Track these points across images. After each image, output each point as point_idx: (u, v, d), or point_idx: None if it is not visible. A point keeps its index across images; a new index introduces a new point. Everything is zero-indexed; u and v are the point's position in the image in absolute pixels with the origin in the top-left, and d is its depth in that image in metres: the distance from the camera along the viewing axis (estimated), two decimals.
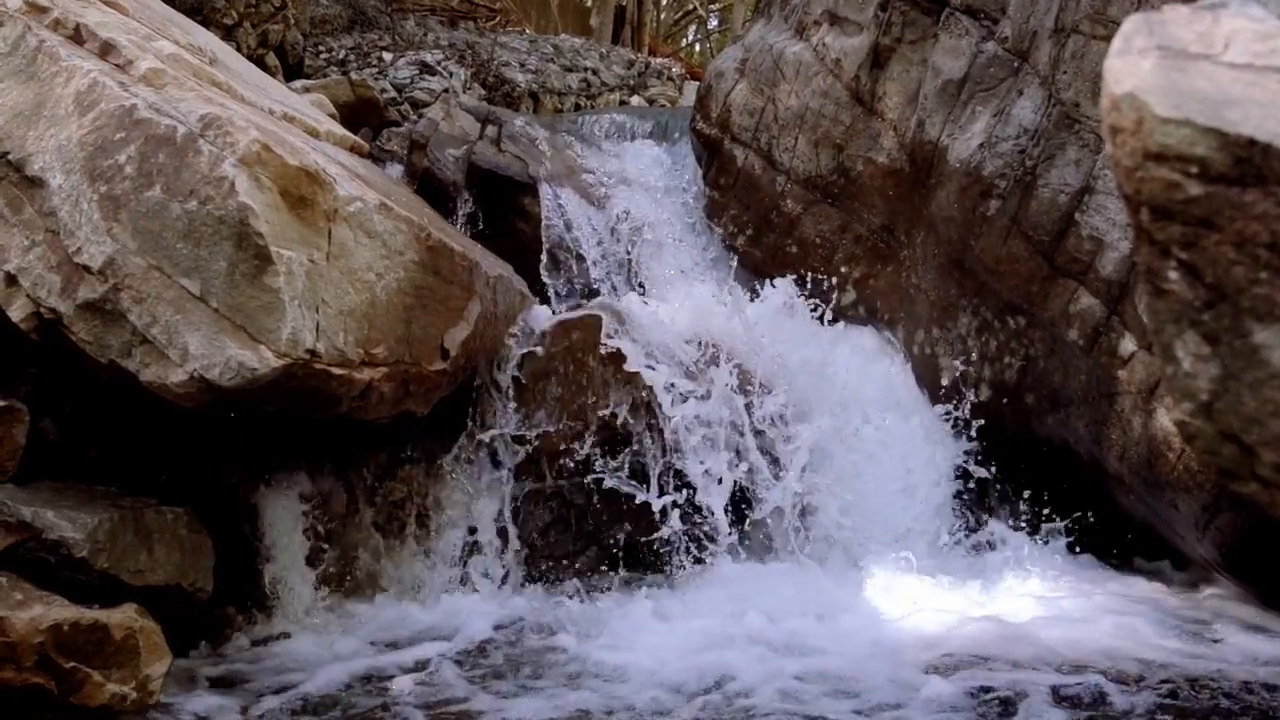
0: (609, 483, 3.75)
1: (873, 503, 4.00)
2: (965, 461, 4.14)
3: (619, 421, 3.80)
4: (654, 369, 3.85)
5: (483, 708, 2.63)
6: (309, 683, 2.84)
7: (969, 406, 4.16)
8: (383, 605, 3.50)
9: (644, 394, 3.82)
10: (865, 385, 4.37)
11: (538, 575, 3.73)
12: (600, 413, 3.81)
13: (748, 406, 3.95)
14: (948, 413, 4.23)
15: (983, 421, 4.13)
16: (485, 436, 3.80)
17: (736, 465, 3.83)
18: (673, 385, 3.82)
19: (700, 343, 4.10)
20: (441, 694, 2.75)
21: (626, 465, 3.80)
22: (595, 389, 3.85)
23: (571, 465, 3.78)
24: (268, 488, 3.39)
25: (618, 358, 3.85)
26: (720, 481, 3.75)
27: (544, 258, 4.92)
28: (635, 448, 3.81)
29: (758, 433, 3.95)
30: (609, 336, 3.88)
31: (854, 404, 4.26)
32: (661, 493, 3.74)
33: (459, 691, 2.76)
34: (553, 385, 3.87)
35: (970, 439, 4.16)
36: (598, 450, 3.81)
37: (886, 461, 4.13)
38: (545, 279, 4.88)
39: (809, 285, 4.77)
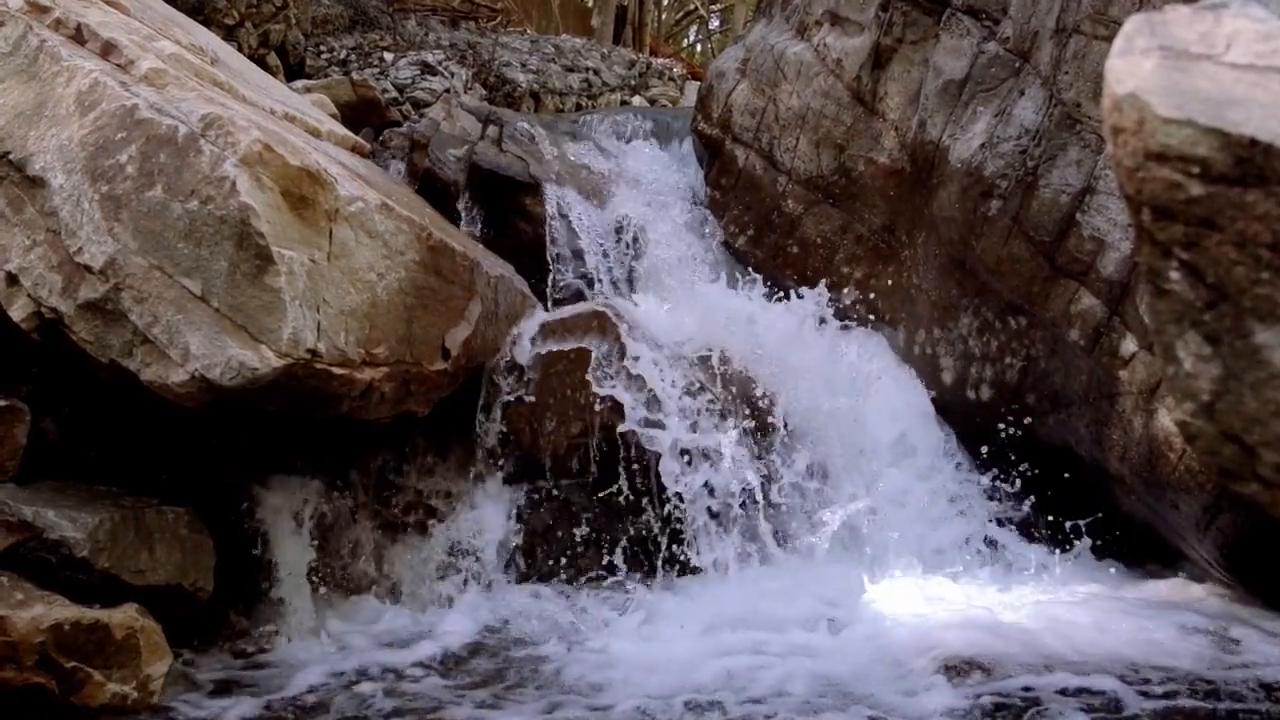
0: (610, 582, 3.63)
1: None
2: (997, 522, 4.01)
3: (621, 497, 3.72)
4: (660, 423, 3.67)
5: (470, 715, 2.62)
6: (308, 684, 2.84)
7: (1019, 480, 4.01)
8: (382, 607, 3.50)
9: (642, 453, 3.69)
10: (890, 430, 4.23)
11: (536, 578, 3.70)
12: (598, 494, 3.72)
13: (765, 463, 3.79)
14: (993, 481, 4.10)
15: (1034, 499, 4.01)
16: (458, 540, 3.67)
17: (749, 546, 3.68)
18: (676, 443, 3.65)
19: (711, 361, 3.94)
20: (432, 700, 2.74)
21: (624, 546, 3.70)
22: (588, 441, 3.74)
23: (573, 467, 3.76)
24: (268, 488, 3.38)
25: (616, 410, 3.73)
26: (728, 571, 3.63)
27: (551, 259, 4.89)
28: (637, 519, 3.70)
29: (774, 506, 3.80)
30: (603, 376, 3.74)
31: (886, 467, 4.09)
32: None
33: (449, 697, 2.75)
34: (541, 445, 3.78)
35: (1018, 510, 4.04)
36: (594, 535, 3.71)
37: (913, 538, 3.94)
38: (551, 277, 4.86)
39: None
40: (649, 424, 3.71)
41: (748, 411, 3.90)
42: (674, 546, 3.66)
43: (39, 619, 2.42)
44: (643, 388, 3.77)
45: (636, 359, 3.81)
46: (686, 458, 3.70)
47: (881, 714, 2.54)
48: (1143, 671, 2.74)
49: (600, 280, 4.89)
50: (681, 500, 3.65)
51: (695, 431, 3.75)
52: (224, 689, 2.81)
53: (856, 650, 2.99)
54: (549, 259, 4.87)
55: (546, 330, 3.94)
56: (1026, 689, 2.64)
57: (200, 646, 3.07)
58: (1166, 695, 2.57)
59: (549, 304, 4.65)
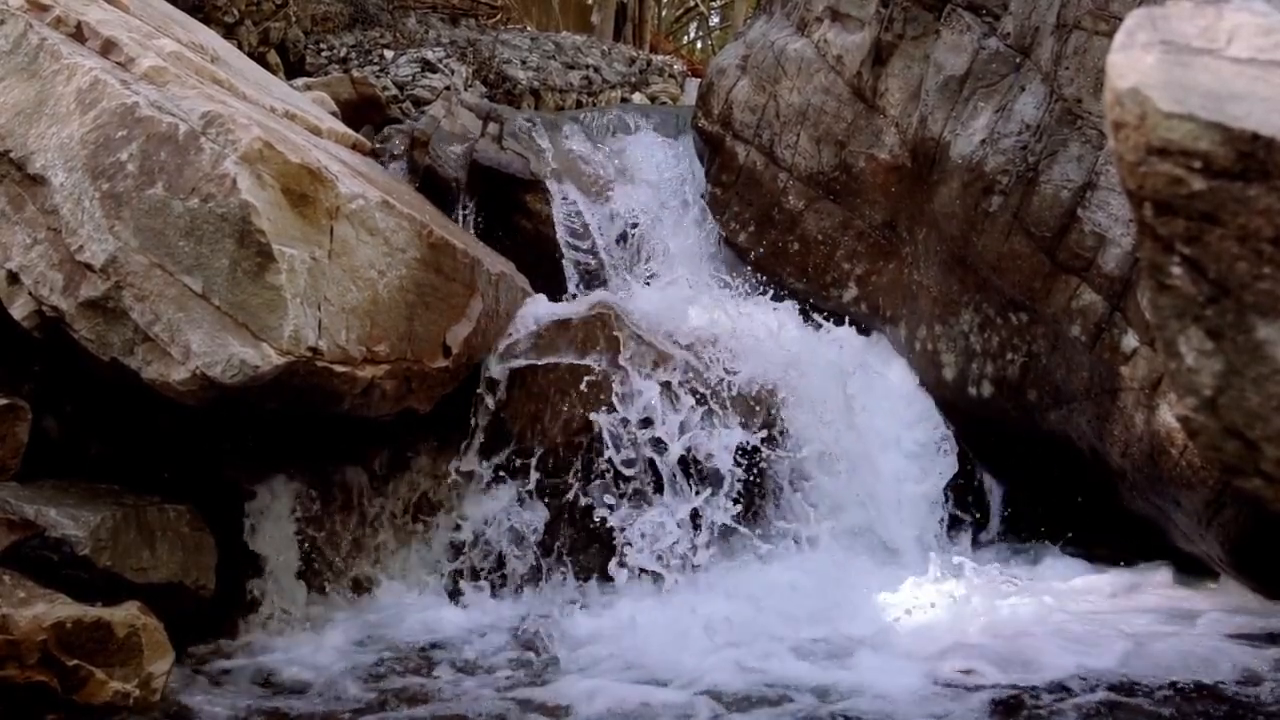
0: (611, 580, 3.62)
1: None
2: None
3: (620, 494, 3.67)
4: (658, 425, 3.64)
5: (484, 712, 2.62)
6: (310, 681, 2.84)
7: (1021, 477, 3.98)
8: (383, 604, 3.49)
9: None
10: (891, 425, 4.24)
11: (540, 576, 3.68)
12: (598, 490, 3.67)
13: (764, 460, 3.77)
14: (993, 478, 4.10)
15: (1035, 496, 4.01)
16: None
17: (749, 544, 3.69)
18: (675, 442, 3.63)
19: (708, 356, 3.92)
20: (436, 698, 2.74)
21: (624, 543, 3.63)
22: (588, 438, 3.70)
23: (575, 464, 3.75)
24: (269, 485, 3.38)
25: (612, 405, 3.69)
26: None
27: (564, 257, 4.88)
28: (636, 517, 3.65)
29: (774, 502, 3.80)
30: (601, 377, 3.71)
31: None
32: None
33: (454, 694, 2.75)
34: (543, 443, 3.73)
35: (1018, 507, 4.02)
36: (595, 532, 3.66)
37: None
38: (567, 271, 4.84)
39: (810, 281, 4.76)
40: (646, 426, 3.69)
41: (749, 411, 3.89)
42: (674, 547, 3.64)
43: (41, 617, 2.42)
44: (640, 385, 3.76)
45: (633, 361, 3.80)
46: (686, 454, 3.69)
47: (879, 714, 2.54)
48: (1148, 670, 2.73)
49: (606, 276, 4.88)
50: (678, 494, 3.65)
51: (693, 428, 3.74)
52: (226, 686, 2.81)
53: (854, 650, 2.98)
54: (561, 254, 4.86)
55: (544, 330, 3.91)
56: (1031, 690, 2.63)
57: (202, 644, 3.07)
58: (1172, 694, 2.57)
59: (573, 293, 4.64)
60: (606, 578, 3.63)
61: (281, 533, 3.38)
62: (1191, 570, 3.63)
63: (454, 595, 3.58)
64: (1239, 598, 3.38)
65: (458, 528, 3.68)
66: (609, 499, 3.67)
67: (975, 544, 4.10)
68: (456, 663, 3.01)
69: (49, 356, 3.03)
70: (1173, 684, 2.62)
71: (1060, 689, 2.62)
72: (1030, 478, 4.17)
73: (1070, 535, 3.98)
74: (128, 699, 2.53)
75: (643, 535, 3.61)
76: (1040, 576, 3.70)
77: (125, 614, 2.60)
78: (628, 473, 3.70)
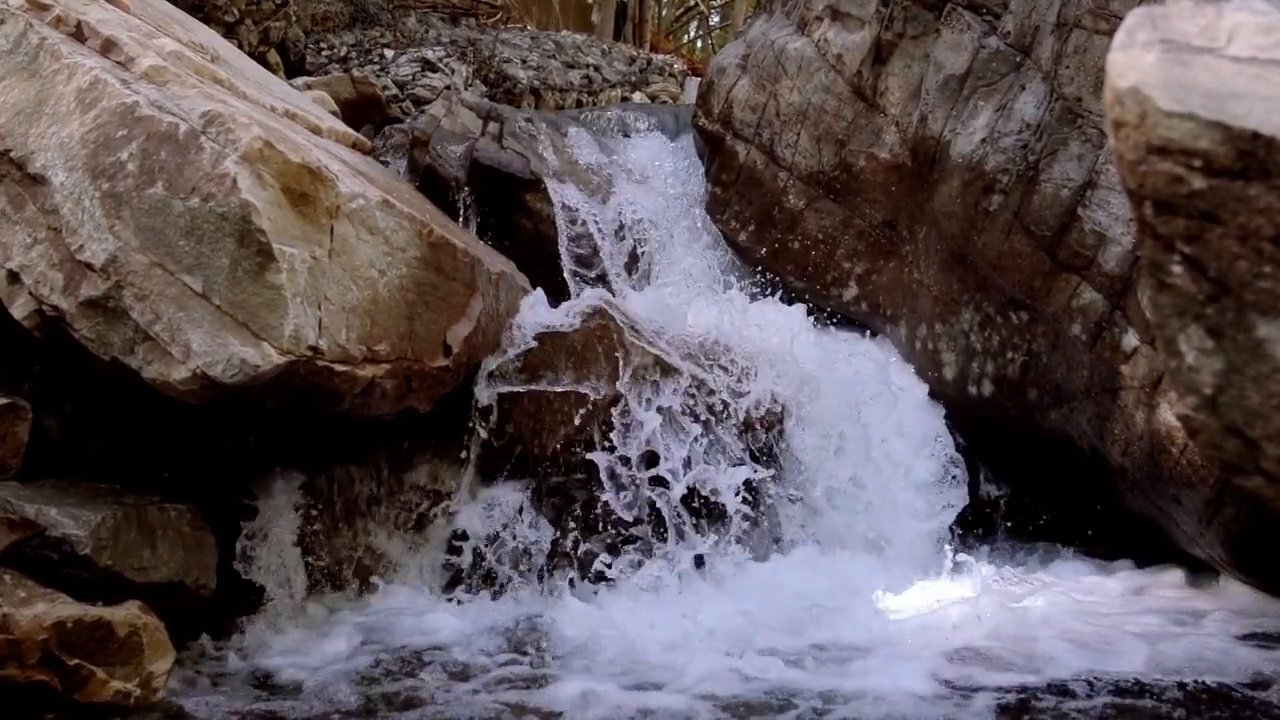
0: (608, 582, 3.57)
1: None
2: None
3: (619, 494, 3.62)
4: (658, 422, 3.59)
5: (478, 714, 2.61)
6: (310, 681, 2.84)
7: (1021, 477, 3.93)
8: (383, 604, 3.48)
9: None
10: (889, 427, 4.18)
11: (540, 577, 3.66)
12: (597, 491, 3.62)
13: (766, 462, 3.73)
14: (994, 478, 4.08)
15: (1036, 496, 3.97)
16: None
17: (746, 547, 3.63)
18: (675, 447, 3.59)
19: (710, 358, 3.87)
20: (437, 698, 2.73)
21: (621, 545, 3.61)
22: (586, 437, 3.64)
23: (574, 463, 3.73)
24: (269, 485, 3.38)
25: (611, 403, 3.64)
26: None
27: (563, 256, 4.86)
28: (633, 517, 3.60)
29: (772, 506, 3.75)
30: (598, 376, 3.67)
31: None
32: None
33: (455, 696, 2.74)
34: (542, 443, 3.67)
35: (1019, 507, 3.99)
36: (592, 533, 3.59)
37: None
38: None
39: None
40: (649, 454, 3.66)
41: (756, 437, 3.85)
42: (670, 548, 3.62)
43: (42, 617, 2.42)
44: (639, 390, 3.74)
45: (633, 358, 3.77)
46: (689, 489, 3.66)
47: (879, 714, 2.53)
48: (1156, 672, 2.71)
49: (607, 276, 4.87)
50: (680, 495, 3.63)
51: (698, 461, 3.69)
52: (224, 687, 2.81)
53: (855, 653, 2.96)
54: (560, 254, 4.84)
55: (540, 341, 3.86)
56: (1038, 693, 2.62)
57: (203, 643, 3.07)
58: (1180, 696, 2.56)
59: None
60: (604, 579, 3.61)
61: (280, 532, 3.37)
62: (1200, 570, 3.62)
63: (452, 598, 3.57)
64: (1247, 598, 3.37)
65: (456, 550, 3.65)
66: (606, 558, 3.60)
67: (982, 545, 4.09)
68: (452, 666, 2.98)
69: (49, 356, 3.03)
70: (1181, 686, 2.61)
71: (1068, 691, 2.61)
72: (1031, 477, 4.17)
73: (1078, 536, 3.97)
74: (128, 699, 2.53)
75: (642, 590, 3.55)
76: (1048, 578, 3.70)
77: (126, 613, 2.60)
78: (627, 517, 3.64)
